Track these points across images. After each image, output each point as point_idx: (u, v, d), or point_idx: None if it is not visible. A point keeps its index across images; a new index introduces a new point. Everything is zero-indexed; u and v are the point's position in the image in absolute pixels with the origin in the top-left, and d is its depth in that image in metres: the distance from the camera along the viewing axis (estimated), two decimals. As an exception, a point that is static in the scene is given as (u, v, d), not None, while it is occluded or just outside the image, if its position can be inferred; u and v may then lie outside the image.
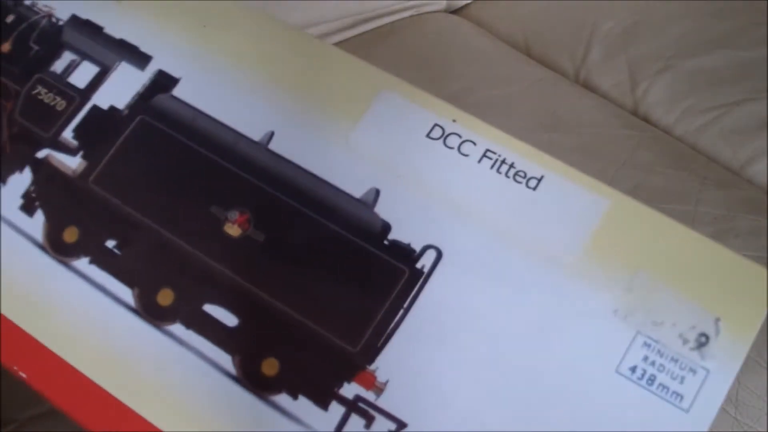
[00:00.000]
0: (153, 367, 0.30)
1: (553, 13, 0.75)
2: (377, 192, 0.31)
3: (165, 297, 0.31)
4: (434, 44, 0.73)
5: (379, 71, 0.33)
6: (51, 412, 0.41)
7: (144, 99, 0.33)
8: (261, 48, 0.34)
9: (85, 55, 0.35)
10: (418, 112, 0.32)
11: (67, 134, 0.34)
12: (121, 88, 0.34)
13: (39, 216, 0.33)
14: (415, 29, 0.76)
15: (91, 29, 0.35)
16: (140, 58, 0.34)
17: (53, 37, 0.35)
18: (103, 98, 0.34)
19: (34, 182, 0.33)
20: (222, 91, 0.33)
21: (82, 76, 0.35)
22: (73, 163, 0.33)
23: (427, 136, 0.32)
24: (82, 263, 0.32)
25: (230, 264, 0.31)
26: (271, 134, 0.32)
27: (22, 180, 0.33)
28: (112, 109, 0.34)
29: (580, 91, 0.66)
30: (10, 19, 0.36)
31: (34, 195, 0.33)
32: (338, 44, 0.72)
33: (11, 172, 0.34)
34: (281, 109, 0.33)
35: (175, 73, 0.34)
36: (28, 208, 0.33)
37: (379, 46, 0.74)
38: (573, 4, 0.74)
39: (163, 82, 0.34)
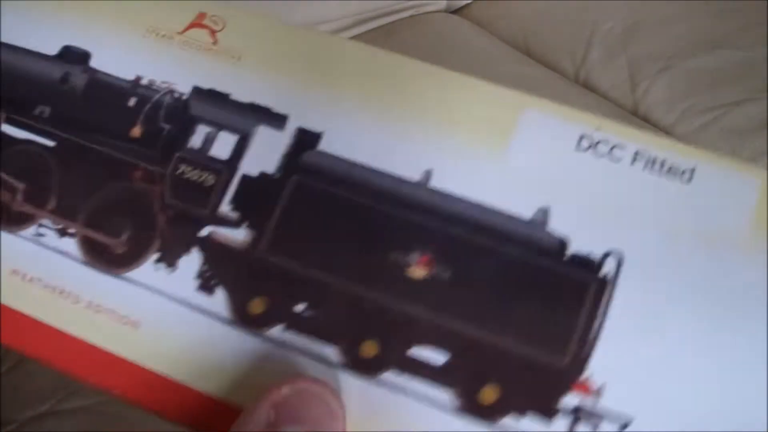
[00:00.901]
0: (366, 418, 0.31)
1: (553, 13, 0.75)
2: (546, 211, 0.32)
3: (369, 349, 0.32)
4: (434, 44, 0.74)
5: (517, 92, 0.34)
6: (51, 412, 0.41)
7: (292, 159, 0.34)
8: (397, 88, 0.34)
9: (219, 126, 0.35)
10: (562, 126, 0.33)
11: (224, 208, 0.34)
12: (265, 153, 0.35)
13: (219, 293, 0.34)
14: (415, 29, 0.77)
15: (218, 98, 0.35)
16: (276, 119, 0.35)
17: (181, 112, 0.36)
18: (249, 166, 0.35)
19: (206, 261, 0.34)
20: (367, 138, 0.34)
21: (222, 147, 0.35)
22: (239, 235, 0.34)
23: (576, 148, 0.33)
24: (276, 331, 0.33)
25: (424, 305, 0.32)
26: (429, 172, 0.33)
27: (190, 261, 0.34)
28: (263, 175, 0.34)
29: (580, 91, 0.68)
30: (132, 102, 0.36)
31: (208, 274, 0.34)
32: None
33: (178, 255, 0.34)
34: (431, 145, 0.34)
35: (315, 128, 0.34)
36: (206, 287, 0.34)
37: (379, 46, 0.74)
38: (573, 4, 0.75)
39: (307, 139, 0.34)
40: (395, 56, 0.35)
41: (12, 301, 0.35)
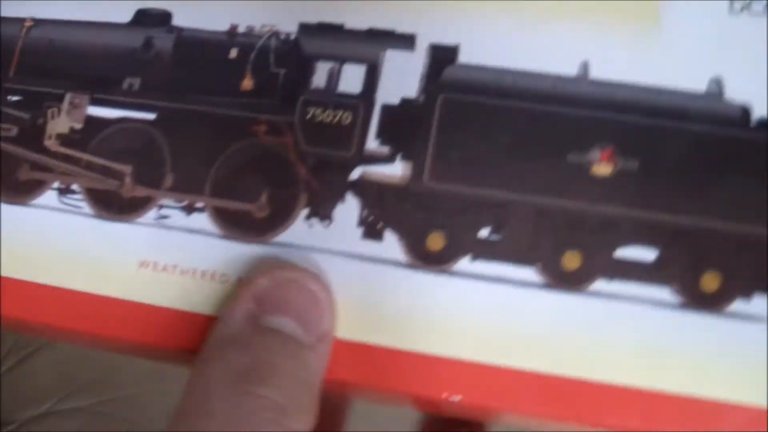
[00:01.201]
0: (588, 334, 0.29)
1: None
2: (719, 81, 0.30)
3: (572, 260, 0.29)
4: None
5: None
6: (51, 412, 0.40)
7: (432, 79, 0.31)
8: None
9: (341, 59, 0.32)
10: (711, -11, 0.31)
11: (371, 144, 0.31)
12: (399, 78, 0.31)
13: (389, 237, 0.30)
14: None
15: (332, 30, 0.32)
16: (403, 40, 0.31)
17: (293, 53, 0.32)
18: (386, 95, 0.31)
19: (366, 206, 0.31)
20: (508, 41, 0.31)
21: (350, 81, 0.32)
22: (395, 169, 0.31)
23: (730, 11, 0.31)
24: (463, 264, 0.30)
25: (619, 202, 0.29)
26: (586, 63, 0.31)
27: (347, 209, 0.31)
28: (405, 101, 0.31)
29: None
30: (233, 53, 0.33)
31: (371, 219, 0.30)
32: None
33: (332, 206, 0.31)
34: (579, 37, 0.31)
35: (449, 41, 0.31)
36: (372, 234, 0.30)
37: None
38: None
39: (443, 54, 0.31)
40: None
41: (149, 297, 0.31)
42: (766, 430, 0.27)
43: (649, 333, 0.28)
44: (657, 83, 0.30)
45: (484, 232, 0.30)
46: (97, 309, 0.31)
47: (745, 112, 0.30)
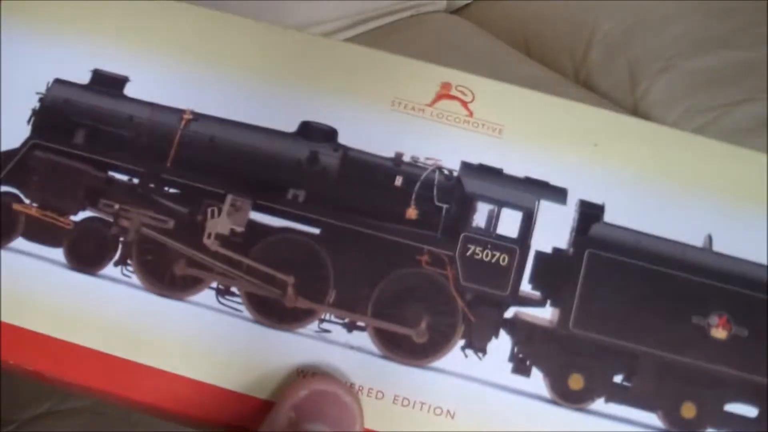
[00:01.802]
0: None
1: (553, 13, 0.77)
2: None
3: (688, 411, 0.34)
4: (434, 44, 0.74)
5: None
6: (51, 412, 0.43)
7: (581, 233, 0.35)
8: (662, 156, 0.36)
9: (500, 203, 0.35)
10: None
11: (524, 287, 0.35)
12: (552, 228, 0.35)
13: (535, 374, 0.34)
14: (415, 29, 0.76)
15: (493, 174, 0.35)
16: (557, 193, 0.35)
17: (456, 190, 0.35)
18: (539, 242, 0.35)
19: (517, 343, 0.34)
20: (647, 207, 0.35)
21: (507, 224, 0.35)
22: (545, 313, 0.34)
23: None
24: (598, 405, 0.34)
25: (731, 363, 0.35)
26: (710, 237, 0.35)
27: (499, 344, 0.34)
28: (557, 250, 0.35)
29: (580, 91, 0.70)
30: (399, 181, 0.35)
31: (521, 356, 0.34)
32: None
33: (487, 339, 0.34)
34: (705, 211, 0.36)
35: (597, 200, 0.35)
36: (521, 370, 0.34)
37: (379, 46, 0.73)
38: (573, 4, 0.76)
39: (591, 211, 0.35)
40: (671, 132, 0.36)
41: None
42: None
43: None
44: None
45: (618, 378, 0.34)
46: (253, 411, 0.33)
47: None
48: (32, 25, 0.35)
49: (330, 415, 0.31)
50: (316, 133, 0.35)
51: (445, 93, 0.36)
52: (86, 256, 0.34)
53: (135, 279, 0.34)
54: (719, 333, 0.35)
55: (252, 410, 0.33)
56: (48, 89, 0.35)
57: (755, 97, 0.68)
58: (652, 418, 0.34)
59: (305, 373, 0.33)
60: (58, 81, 0.35)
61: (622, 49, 0.73)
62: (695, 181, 0.36)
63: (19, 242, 0.34)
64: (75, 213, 0.34)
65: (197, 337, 0.33)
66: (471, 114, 0.36)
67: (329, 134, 0.35)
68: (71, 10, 0.35)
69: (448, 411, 0.33)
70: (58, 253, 0.34)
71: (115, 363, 0.33)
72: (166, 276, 0.34)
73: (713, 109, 0.69)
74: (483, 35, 0.78)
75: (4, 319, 0.33)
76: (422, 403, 0.33)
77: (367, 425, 0.33)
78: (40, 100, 0.35)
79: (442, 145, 0.35)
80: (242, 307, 0.34)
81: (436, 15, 0.81)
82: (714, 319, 0.35)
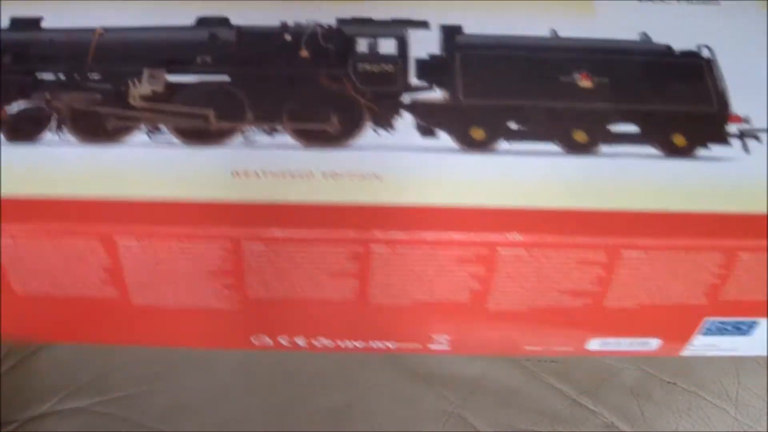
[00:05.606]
0: (587, 187, 0.38)
1: None
2: (646, 33, 0.43)
3: (580, 136, 0.39)
4: None
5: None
6: (51, 412, 0.42)
7: (448, 42, 0.42)
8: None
9: (377, 36, 0.42)
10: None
11: (413, 81, 0.40)
12: (423, 45, 0.42)
13: (442, 136, 0.39)
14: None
15: (366, 21, 0.43)
16: (420, 25, 0.43)
17: (336, 35, 0.42)
18: (417, 55, 0.41)
19: (420, 116, 0.39)
20: (490, 22, 0.43)
21: (386, 48, 0.42)
22: (435, 94, 0.40)
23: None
24: (502, 146, 0.39)
25: (602, 99, 0.40)
26: (554, 30, 0.43)
27: (404, 121, 0.39)
28: (432, 55, 0.41)
29: None
30: (288, 37, 0.42)
31: (424, 125, 0.39)
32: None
33: (392, 118, 0.39)
34: (540, 18, 0.44)
35: (452, 22, 0.43)
36: (428, 132, 0.39)
37: None
38: None
39: (452, 30, 0.42)
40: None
41: (245, 195, 0.36)
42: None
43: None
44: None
45: (513, 124, 0.39)
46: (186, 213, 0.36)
47: (669, 47, 0.42)
48: None
49: None
50: (211, 21, 0.42)
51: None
52: (24, 131, 0.38)
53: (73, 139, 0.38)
54: (585, 83, 0.41)
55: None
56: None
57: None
58: (551, 147, 0.39)
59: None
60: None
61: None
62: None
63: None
64: (8, 103, 0.39)
65: (141, 165, 0.37)
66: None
67: (223, 20, 0.42)
68: None
69: (374, 174, 0.37)
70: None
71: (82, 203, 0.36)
72: (100, 132, 0.38)
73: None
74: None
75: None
76: (350, 174, 0.37)
77: (303, 198, 0.36)
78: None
79: (314, 10, 0.43)
80: (173, 138, 0.38)
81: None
82: (577, 77, 0.41)
